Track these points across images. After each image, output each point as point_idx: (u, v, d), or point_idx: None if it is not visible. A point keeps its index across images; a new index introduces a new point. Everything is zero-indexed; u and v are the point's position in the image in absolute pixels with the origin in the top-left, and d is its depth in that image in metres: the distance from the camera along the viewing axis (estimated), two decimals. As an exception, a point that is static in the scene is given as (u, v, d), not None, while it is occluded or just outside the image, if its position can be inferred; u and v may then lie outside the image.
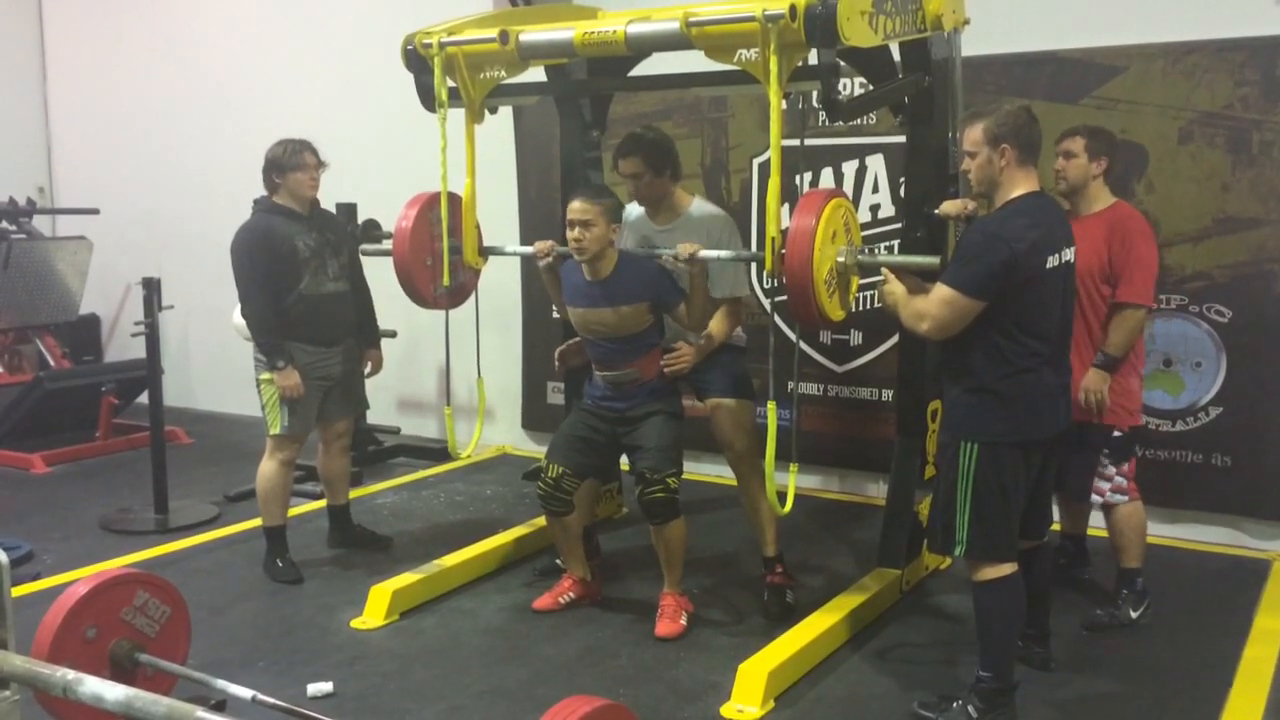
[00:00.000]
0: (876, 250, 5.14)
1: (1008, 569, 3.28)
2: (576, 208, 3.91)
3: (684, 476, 4.01)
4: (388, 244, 4.43)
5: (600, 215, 3.88)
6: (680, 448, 4.06)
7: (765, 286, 5.25)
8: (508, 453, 6.71)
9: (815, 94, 3.55)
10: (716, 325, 4.17)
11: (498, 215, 5.70)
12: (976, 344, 3.22)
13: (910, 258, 3.86)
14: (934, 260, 3.61)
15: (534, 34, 3.90)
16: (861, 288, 5.29)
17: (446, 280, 4.31)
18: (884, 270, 3.54)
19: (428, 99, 4.15)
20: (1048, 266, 3.19)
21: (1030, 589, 3.38)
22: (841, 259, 3.51)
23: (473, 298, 4.54)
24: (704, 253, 3.84)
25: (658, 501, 3.93)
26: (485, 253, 4.43)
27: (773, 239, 3.44)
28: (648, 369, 4.06)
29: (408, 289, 4.40)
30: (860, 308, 5.45)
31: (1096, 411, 3.91)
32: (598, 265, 3.96)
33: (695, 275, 3.86)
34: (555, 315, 6.19)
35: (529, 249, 4.30)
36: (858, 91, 5.11)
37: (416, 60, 4.11)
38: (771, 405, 3.47)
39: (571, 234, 3.91)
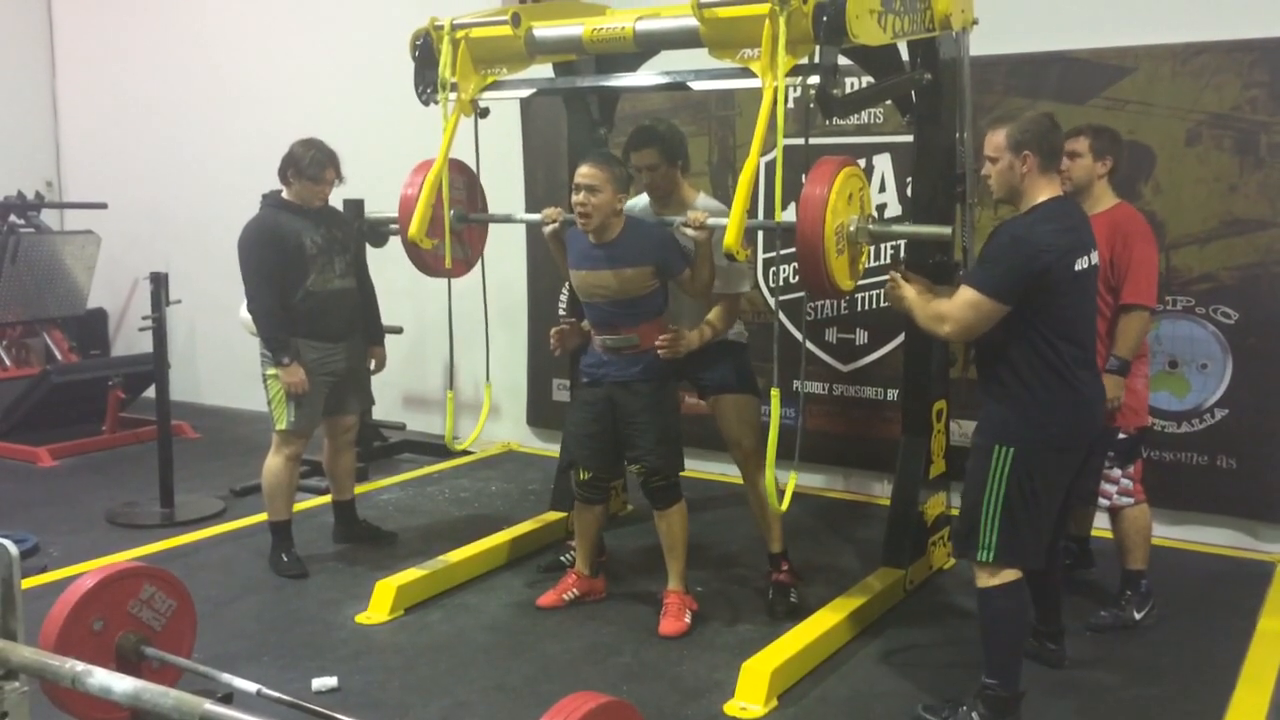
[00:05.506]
0: (884, 247, 5.19)
1: (1012, 575, 3.24)
2: (584, 172, 3.85)
3: (689, 475, 4.02)
4: (395, 227, 4.42)
5: (607, 182, 3.84)
6: (678, 438, 4.07)
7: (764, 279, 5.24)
8: (513, 449, 6.71)
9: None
10: (716, 317, 4.16)
11: (504, 212, 5.68)
12: (1016, 348, 3.19)
13: (921, 227, 3.83)
14: (945, 230, 3.58)
15: (543, 29, 3.91)
16: (869, 287, 5.32)
17: (448, 252, 4.28)
18: (892, 273, 3.53)
19: (423, 89, 4.17)
20: (1076, 269, 3.18)
21: (1043, 587, 3.36)
22: (853, 227, 3.50)
23: (480, 295, 4.53)
24: (713, 220, 3.84)
25: (660, 489, 4.03)
26: (482, 221, 4.50)
27: (742, 211, 3.49)
28: (647, 337, 3.99)
29: (414, 257, 4.36)
30: (866, 307, 5.45)
31: (1112, 416, 3.91)
32: (603, 233, 3.92)
33: (702, 243, 3.85)
34: (561, 313, 6.22)
35: (535, 216, 4.27)
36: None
37: (426, 53, 4.12)
38: (775, 393, 3.45)
39: (577, 198, 3.86)
